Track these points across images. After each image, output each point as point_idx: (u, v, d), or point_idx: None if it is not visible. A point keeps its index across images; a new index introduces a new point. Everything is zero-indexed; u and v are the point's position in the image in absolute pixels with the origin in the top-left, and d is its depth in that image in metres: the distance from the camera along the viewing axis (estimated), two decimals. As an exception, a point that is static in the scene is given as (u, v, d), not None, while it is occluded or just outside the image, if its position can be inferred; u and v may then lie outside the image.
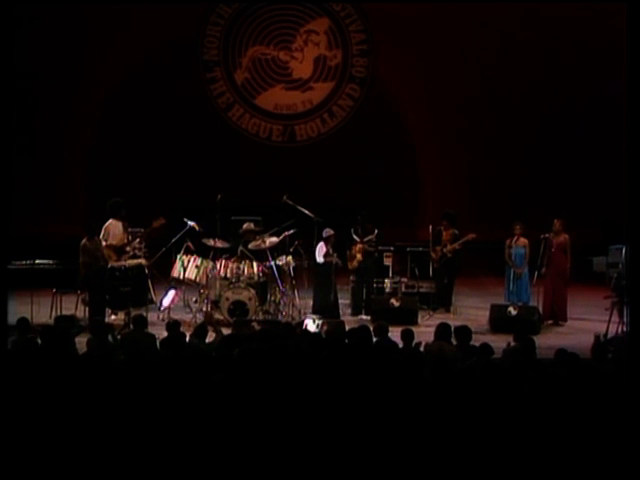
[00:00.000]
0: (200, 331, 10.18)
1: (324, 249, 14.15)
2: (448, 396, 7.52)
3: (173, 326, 10.27)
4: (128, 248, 13.79)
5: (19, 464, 6.99)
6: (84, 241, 13.29)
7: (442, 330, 9.97)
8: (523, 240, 14.38)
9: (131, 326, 11.56)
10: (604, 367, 8.68)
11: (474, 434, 7.12)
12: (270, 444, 7.06)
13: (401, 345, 9.78)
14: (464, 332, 9.92)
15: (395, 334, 10.41)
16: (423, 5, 19.36)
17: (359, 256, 14.53)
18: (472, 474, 6.96)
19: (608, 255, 13.58)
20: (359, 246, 14.53)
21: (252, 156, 20.08)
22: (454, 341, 9.95)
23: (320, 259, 14.17)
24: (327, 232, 14.21)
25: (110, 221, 13.85)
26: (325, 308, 13.92)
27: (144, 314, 11.54)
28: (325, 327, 12.04)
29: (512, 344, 10.07)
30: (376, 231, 14.59)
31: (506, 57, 19.46)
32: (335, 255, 14.20)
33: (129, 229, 14.16)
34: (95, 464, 7.02)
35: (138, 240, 13.91)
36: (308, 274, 14.52)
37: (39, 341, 9.46)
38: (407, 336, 9.89)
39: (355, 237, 14.62)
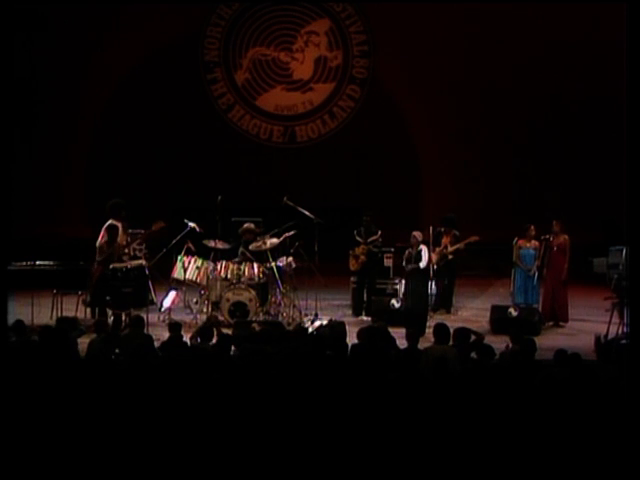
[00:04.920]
0: (205, 333, 10.13)
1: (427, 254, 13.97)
2: (449, 398, 7.52)
3: (175, 327, 10.26)
4: (127, 249, 13.79)
5: (19, 466, 7.00)
6: (102, 242, 13.34)
7: (440, 331, 9.86)
8: (534, 242, 14.35)
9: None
10: (607, 368, 8.68)
11: (475, 436, 7.12)
12: (270, 444, 7.06)
13: (405, 346, 9.75)
14: (462, 333, 9.84)
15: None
16: (423, 6, 19.36)
17: (362, 257, 14.56)
18: (474, 476, 6.97)
19: (608, 256, 13.56)
20: (362, 247, 14.56)
21: (253, 157, 20.08)
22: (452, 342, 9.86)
23: (424, 264, 13.95)
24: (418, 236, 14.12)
25: (110, 222, 13.86)
26: (416, 315, 13.40)
27: (143, 315, 11.53)
28: (326, 328, 12.05)
29: (510, 346, 10.03)
30: (379, 232, 14.61)
31: (507, 57, 19.44)
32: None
33: (129, 230, 14.19)
34: (94, 465, 7.03)
35: (137, 242, 13.90)
36: (309, 275, 14.49)
37: (38, 342, 9.46)
38: (412, 337, 9.84)
39: (358, 238, 14.64)
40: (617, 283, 12.84)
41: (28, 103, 18.96)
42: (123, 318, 13.20)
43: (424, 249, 14.00)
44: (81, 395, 7.56)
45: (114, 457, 7.07)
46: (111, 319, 13.12)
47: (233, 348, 9.31)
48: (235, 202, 15.86)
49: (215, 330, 10.48)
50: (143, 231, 14.21)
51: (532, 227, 14.37)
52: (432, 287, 14.48)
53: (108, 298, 13.04)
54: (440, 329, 9.81)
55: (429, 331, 11.74)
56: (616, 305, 12.75)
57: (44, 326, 10.15)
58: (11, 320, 10.01)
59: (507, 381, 8.00)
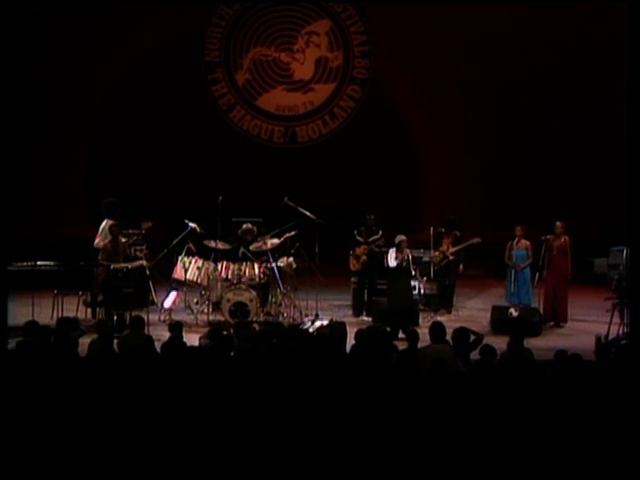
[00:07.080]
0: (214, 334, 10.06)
1: (394, 254, 13.87)
2: (447, 398, 7.51)
3: (176, 327, 10.26)
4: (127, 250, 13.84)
5: (19, 466, 7.00)
6: (106, 241, 13.37)
7: (435, 331, 9.70)
8: (524, 242, 14.37)
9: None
10: (607, 368, 8.68)
11: (475, 437, 7.12)
12: (270, 444, 7.07)
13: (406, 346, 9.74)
14: (462, 333, 9.80)
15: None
16: (424, 6, 19.37)
17: (364, 257, 14.57)
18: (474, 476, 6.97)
19: (609, 257, 13.58)
20: (363, 247, 14.57)
21: (253, 157, 20.09)
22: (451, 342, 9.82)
23: (393, 263, 13.76)
24: (399, 238, 13.90)
25: (106, 221, 13.90)
26: (401, 313, 13.36)
27: (143, 315, 11.52)
28: (326, 328, 12.06)
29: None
30: (380, 232, 14.62)
31: (508, 58, 19.45)
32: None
33: (129, 230, 14.22)
34: (95, 466, 7.03)
35: (125, 240, 13.89)
36: (310, 275, 14.48)
37: (38, 342, 9.44)
38: (411, 337, 9.82)
39: (359, 238, 14.65)
40: (617, 283, 12.85)
41: (28, 103, 18.96)
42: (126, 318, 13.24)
43: (390, 251, 13.93)
44: (81, 396, 7.55)
45: (114, 458, 7.07)
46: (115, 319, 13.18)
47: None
48: (236, 202, 15.85)
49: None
50: (137, 231, 14.30)
51: (517, 228, 14.44)
52: (417, 287, 14.52)
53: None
54: (435, 328, 9.70)
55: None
56: (617, 305, 12.75)
57: (43, 326, 10.13)
58: (11, 320, 9.99)
59: (506, 381, 7.99)
